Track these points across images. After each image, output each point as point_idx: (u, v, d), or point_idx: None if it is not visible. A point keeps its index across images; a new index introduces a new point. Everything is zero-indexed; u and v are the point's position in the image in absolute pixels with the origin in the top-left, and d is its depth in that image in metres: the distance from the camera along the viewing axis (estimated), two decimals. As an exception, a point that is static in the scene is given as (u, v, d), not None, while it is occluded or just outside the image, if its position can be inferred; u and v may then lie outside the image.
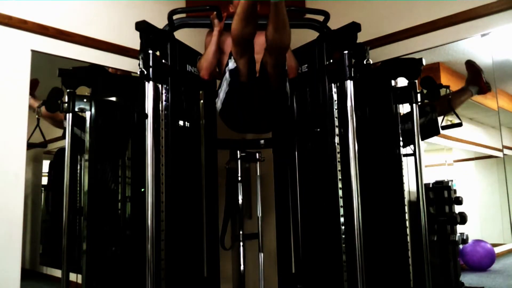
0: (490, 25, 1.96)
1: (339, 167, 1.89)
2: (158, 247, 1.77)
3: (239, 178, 2.31)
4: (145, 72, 1.80)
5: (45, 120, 1.96)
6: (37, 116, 1.97)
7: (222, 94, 1.97)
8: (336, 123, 1.92)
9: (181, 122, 2.06)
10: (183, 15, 2.23)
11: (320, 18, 2.07)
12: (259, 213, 2.35)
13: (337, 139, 1.92)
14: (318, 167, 2.02)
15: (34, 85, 1.99)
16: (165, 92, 1.93)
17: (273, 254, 2.35)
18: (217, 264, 2.20)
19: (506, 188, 2.00)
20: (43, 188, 2.26)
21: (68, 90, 1.88)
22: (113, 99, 2.05)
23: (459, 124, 2.05)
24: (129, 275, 1.84)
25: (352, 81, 1.80)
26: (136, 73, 1.84)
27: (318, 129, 2.03)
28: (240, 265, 2.26)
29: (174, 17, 2.01)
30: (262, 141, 2.37)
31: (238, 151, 2.32)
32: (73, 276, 1.82)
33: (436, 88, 1.87)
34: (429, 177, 2.26)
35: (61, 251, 1.80)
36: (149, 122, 1.77)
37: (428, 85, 1.88)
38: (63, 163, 1.85)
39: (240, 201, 2.31)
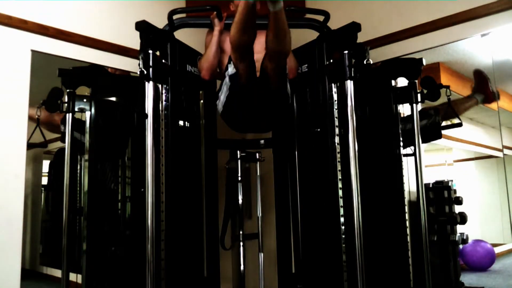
0: (490, 25, 1.96)
1: (339, 167, 1.89)
2: (158, 247, 1.77)
3: (239, 178, 2.31)
4: (145, 72, 1.80)
5: (41, 125, 1.96)
6: (37, 116, 1.97)
7: (222, 97, 1.97)
8: (336, 123, 1.92)
9: (181, 122, 2.06)
10: (183, 15, 2.23)
11: (320, 18, 2.07)
12: (259, 213, 2.35)
13: (337, 139, 1.92)
14: (318, 167, 2.02)
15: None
16: (165, 92, 1.93)
17: (273, 254, 2.35)
18: (217, 264, 2.20)
19: (506, 188, 2.00)
20: (43, 188, 2.26)
21: (68, 90, 1.88)
22: (113, 99, 2.05)
23: (459, 124, 2.05)
24: (129, 275, 1.84)
25: (352, 81, 1.80)
26: (136, 73, 1.84)
27: (318, 129, 2.03)
28: (240, 265, 2.26)
29: (174, 17, 2.01)
30: (262, 141, 2.37)
31: (238, 151, 2.32)
32: (73, 276, 1.82)
33: (436, 88, 1.88)
34: (429, 177, 2.26)
35: (61, 251, 1.80)
36: (149, 122, 1.77)
37: (428, 85, 1.88)
38: (63, 163, 1.85)
39: (240, 201, 2.31)
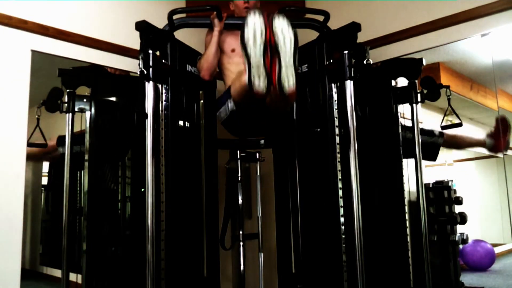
0: (490, 25, 1.96)
1: (339, 167, 1.89)
2: (158, 247, 1.77)
3: (239, 178, 2.31)
4: (145, 72, 1.80)
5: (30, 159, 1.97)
6: (37, 116, 1.97)
7: (223, 112, 1.97)
8: (336, 123, 1.92)
9: (181, 122, 2.06)
10: (183, 15, 2.23)
11: (320, 18, 2.07)
12: (259, 213, 2.35)
13: (337, 139, 1.92)
14: (318, 167, 2.02)
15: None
16: (165, 92, 1.93)
17: (273, 254, 2.35)
18: (217, 264, 2.20)
19: (506, 188, 2.00)
20: (43, 188, 2.26)
21: (68, 90, 1.88)
22: (113, 99, 2.05)
23: (459, 124, 2.05)
24: (129, 275, 1.84)
25: (352, 81, 1.80)
26: (136, 73, 1.84)
27: (318, 129, 2.03)
28: (240, 265, 2.26)
29: (174, 17, 2.01)
30: (262, 141, 2.37)
31: (238, 151, 2.32)
32: (73, 276, 1.82)
33: (436, 88, 1.88)
34: (429, 177, 2.26)
35: (61, 251, 1.80)
36: (149, 122, 1.77)
37: (428, 85, 1.88)
38: (63, 163, 1.85)
39: (240, 201, 2.31)
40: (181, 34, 2.10)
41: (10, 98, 1.91)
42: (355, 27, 1.83)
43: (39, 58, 1.99)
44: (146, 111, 1.78)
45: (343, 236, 1.86)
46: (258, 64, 1.42)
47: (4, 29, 1.91)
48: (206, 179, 2.14)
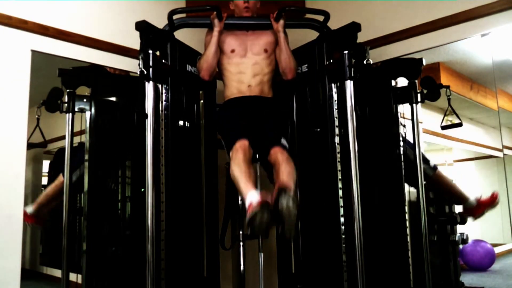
0: (490, 25, 1.96)
1: (339, 167, 1.89)
2: (158, 247, 1.77)
3: (239, 178, 2.30)
4: (145, 72, 1.80)
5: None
6: (37, 116, 1.97)
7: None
8: (336, 123, 1.92)
9: (181, 122, 2.06)
10: (183, 15, 2.23)
11: (320, 18, 2.07)
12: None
13: (337, 139, 1.92)
14: (318, 167, 2.02)
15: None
16: (165, 92, 1.93)
17: (273, 254, 2.34)
18: (217, 264, 2.20)
19: (506, 188, 2.00)
20: (43, 188, 2.26)
21: (68, 90, 1.88)
22: (113, 99, 2.05)
23: (459, 124, 2.05)
24: (129, 275, 1.84)
25: (352, 81, 1.80)
26: (136, 73, 1.84)
27: (318, 129, 2.03)
28: (240, 265, 2.26)
29: (174, 17, 2.00)
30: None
31: (238, 151, 2.32)
32: (73, 276, 1.82)
33: (436, 88, 1.88)
34: (429, 177, 2.26)
35: (61, 251, 1.80)
36: (149, 122, 1.77)
37: (428, 85, 1.88)
38: (63, 163, 1.85)
39: (240, 201, 2.31)
40: (181, 34, 2.10)
41: (10, 98, 1.91)
42: (355, 27, 1.83)
43: (39, 58, 1.98)
44: (146, 111, 1.78)
45: (343, 236, 1.86)
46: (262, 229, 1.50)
47: (4, 29, 1.91)
48: (206, 179, 2.14)
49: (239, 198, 2.31)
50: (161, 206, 1.82)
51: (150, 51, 1.81)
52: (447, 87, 1.96)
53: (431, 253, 1.79)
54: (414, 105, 1.88)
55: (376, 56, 2.16)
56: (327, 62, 2.01)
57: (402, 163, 1.90)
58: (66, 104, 1.87)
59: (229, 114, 1.99)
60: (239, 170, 1.68)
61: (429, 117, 2.16)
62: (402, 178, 1.90)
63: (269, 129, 1.91)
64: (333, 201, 1.89)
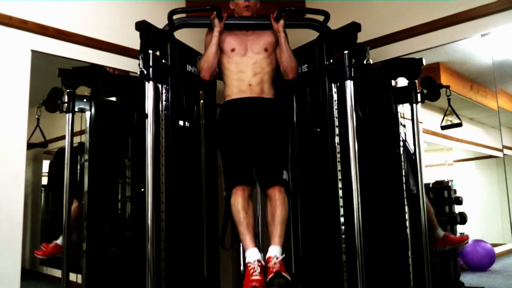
0: (490, 25, 1.96)
1: (339, 167, 1.89)
2: (158, 247, 1.77)
3: (239, 178, 2.30)
4: (145, 72, 1.80)
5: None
6: (37, 116, 1.97)
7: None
8: (336, 123, 1.92)
9: (181, 122, 2.06)
10: (183, 15, 2.23)
11: (320, 18, 2.07)
12: (259, 213, 2.34)
13: (337, 139, 1.92)
14: (318, 167, 2.02)
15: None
16: (165, 92, 1.93)
17: (273, 254, 2.34)
18: (217, 264, 2.20)
19: (506, 188, 2.00)
20: (43, 188, 2.26)
21: (68, 90, 1.88)
22: (113, 99, 2.05)
23: (459, 124, 2.05)
24: (129, 275, 1.84)
25: (352, 81, 1.80)
26: (136, 73, 1.84)
27: (318, 129, 2.03)
28: (240, 265, 2.26)
29: (174, 17, 2.00)
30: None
31: (238, 151, 2.32)
32: (73, 276, 1.82)
33: (436, 88, 1.88)
34: (429, 177, 2.26)
35: (61, 251, 1.80)
36: (149, 122, 1.77)
37: (428, 85, 1.88)
38: (63, 163, 1.85)
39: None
40: (181, 34, 2.10)
41: (10, 98, 1.91)
42: (355, 27, 1.83)
43: (39, 58, 1.98)
44: (146, 111, 1.78)
45: (343, 236, 1.86)
46: None
47: (4, 29, 1.91)
48: (206, 179, 2.14)
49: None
50: (161, 206, 1.82)
51: (150, 51, 1.81)
52: (447, 87, 1.96)
53: (431, 253, 1.80)
54: (414, 105, 1.88)
55: (376, 56, 2.16)
56: (327, 62, 2.01)
57: (402, 163, 1.90)
58: (66, 104, 1.87)
59: (229, 126, 1.95)
60: (238, 216, 1.80)
61: (429, 117, 2.16)
62: (402, 178, 1.90)
63: (270, 155, 1.90)
64: (333, 201, 1.89)
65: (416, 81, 1.90)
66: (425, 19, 2.16)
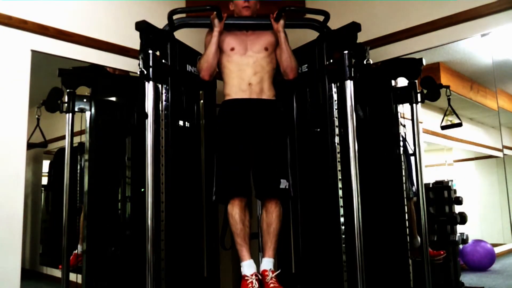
0: (490, 25, 1.96)
1: (339, 167, 1.89)
2: (158, 247, 1.77)
3: (239, 178, 2.30)
4: (145, 72, 1.80)
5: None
6: (37, 116, 1.97)
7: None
8: (336, 123, 1.92)
9: (181, 122, 2.06)
10: (183, 15, 2.23)
11: (320, 18, 2.07)
12: (259, 213, 2.34)
13: (337, 139, 1.92)
14: (318, 167, 2.02)
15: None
16: (165, 92, 1.93)
17: (273, 254, 2.34)
18: (217, 264, 2.20)
19: (506, 188, 2.00)
20: (43, 188, 2.26)
21: (68, 90, 1.88)
22: (113, 99, 2.05)
23: (459, 124, 2.05)
24: (129, 275, 1.85)
25: (352, 81, 1.80)
26: (136, 73, 1.84)
27: (318, 129, 2.03)
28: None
29: (174, 17, 2.00)
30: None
31: (238, 151, 2.32)
32: (73, 276, 1.82)
33: (436, 88, 1.88)
34: (429, 177, 2.27)
35: (61, 251, 1.80)
36: (149, 122, 1.77)
37: (428, 85, 1.88)
38: (63, 163, 1.85)
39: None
40: (181, 34, 2.10)
41: (10, 98, 1.91)
42: (355, 27, 1.83)
43: (39, 58, 1.98)
44: (146, 111, 1.78)
45: (343, 236, 1.86)
46: None
47: (4, 29, 1.91)
48: (206, 179, 2.14)
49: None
50: (161, 206, 1.82)
51: (150, 51, 1.81)
52: (447, 87, 1.96)
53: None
54: (414, 105, 1.88)
55: (376, 56, 2.16)
56: (327, 62, 2.01)
57: (402, 163, 1.90)
58: (66, 104, 1.87)
59: (226, 130, 1.94)
60: (235, 227, 1.85)
61: (429, 117, 2.16)
62: (402, 178, 1.90)
63: (267, 163, 1.91)
64: (333, 201, 1.89)
65: (416, 81, 1.90)
66: (425, 19, 2.16)
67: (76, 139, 1.91)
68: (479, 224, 2.28)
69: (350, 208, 1.74)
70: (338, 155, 1.90)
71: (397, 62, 2.08)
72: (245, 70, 1.97)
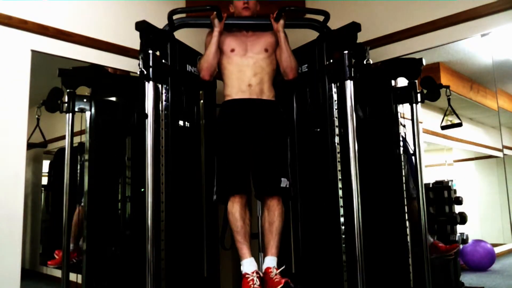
0: (490, 25, 1.96)
1: (339, 167, 1.89)
2: (158, 247, 1.77)
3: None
4: (145, 72, 1.80)
5: None
6: (37, 116, 1.97)
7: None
8: (336, 123, 1.92)
9: (181, 122, 2.06)
10: (183, 15, 2.23)
11: (320, 18, 2.07)
12: (259, 213, 2.34)
13: (337, 139, 1.92)
14: (318, 167, 2.02)
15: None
16: (165, 92, 1.93)
17: (273, 254, 2.34)
18: (217, 264, 2.20)
19: (506, 188, 2.00)
20: (43, 188, 2.26)
21: (68, 90, 1.88)
22: (113, 99, 2.05)
23: (459, 124, 2.05)
24: (129, 275, 1.85)
25: (352, 81, 1.80)
26: (136, 73, 1.84)
27: (318, 129, 2.03)
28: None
29: (174, 17, 2.00)
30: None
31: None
32: (73, 276, 1.82)
33: (436, 88, 1.88)
34: (429, 177, 2.26)
35: (61, 251, 1.80)
36: (149, 122, 1.77)
37: (428, 85, 1.88)
38: (63, 163, 1.85)
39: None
40: (181, 34, 2.10)
41: (10, 98, 1.91)
42: (355, 27, 1.83)
43: (39, 58, 1.98)
44: (146, 111, 1.78)
45: (343, 236, 1.86)
46: None
47: (4, 29, 1.91)
48: (206, 179, 2.14)
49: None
50: (161, 206, 1.82)
51: (150, 51, 1.81)
52: (447, 87, 1.96)
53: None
54: (414, 105, 1.88)
55: (376, 56, 2.16)
56: (327, 62, 2.01)
57: (402, 163, 1.90)
58: (66, 104, 1.87)
59: (226, 130, 1.94)
60: (235, 225, 1.84)
61: (429, 117, 2.16)
62: (402, 177, 1.90)
63: (268, 162, 1.90)
64: (333, 201, 1.89)
65: (416, 81, 1.90)
66: (425, 19, 2.16)
67: (76, 139, 1.91)
68: (479, 224, 2.28)
69: (350, 208, 1.74)
70: (338, 155, 1.90)
71: (397, 62, 2.07)
72: (245, 71, 1.97)
